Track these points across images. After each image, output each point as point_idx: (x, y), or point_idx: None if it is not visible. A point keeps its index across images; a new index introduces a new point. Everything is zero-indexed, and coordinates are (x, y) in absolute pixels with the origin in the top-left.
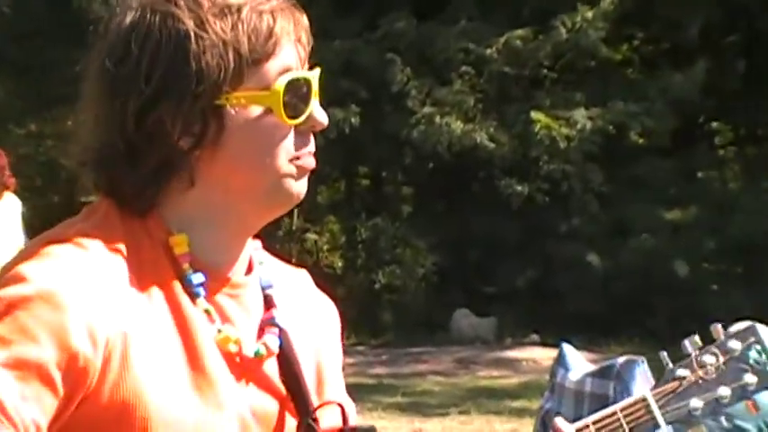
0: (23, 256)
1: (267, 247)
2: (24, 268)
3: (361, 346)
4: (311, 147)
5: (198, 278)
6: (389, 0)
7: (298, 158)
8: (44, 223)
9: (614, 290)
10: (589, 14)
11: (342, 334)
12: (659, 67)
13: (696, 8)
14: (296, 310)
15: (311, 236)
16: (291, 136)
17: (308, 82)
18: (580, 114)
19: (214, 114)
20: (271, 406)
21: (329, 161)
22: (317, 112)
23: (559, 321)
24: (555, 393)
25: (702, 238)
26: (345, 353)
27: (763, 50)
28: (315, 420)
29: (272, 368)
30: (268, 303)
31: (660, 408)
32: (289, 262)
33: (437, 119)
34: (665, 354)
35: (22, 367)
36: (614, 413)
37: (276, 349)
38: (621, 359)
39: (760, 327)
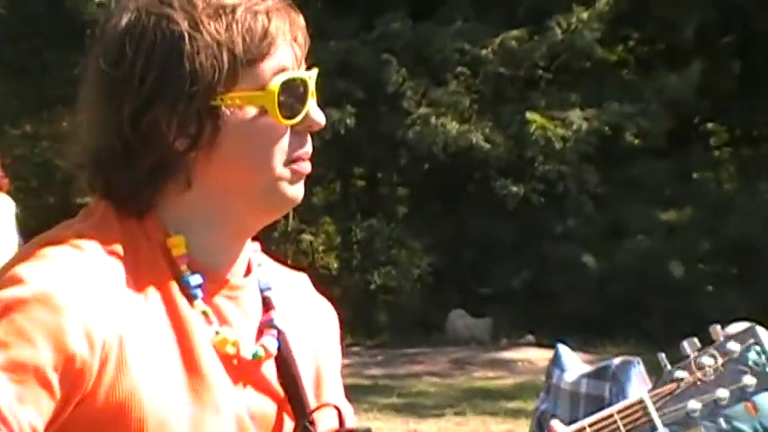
0: (20, 257)
1: (262, 249)
2: (21, 270)
3: (357, 346)
4: (308, 147)
5: (196, 280)
6: (385, 0)
7: (294, 162)
8: (39, 224)
9: (609, 291)
10: (584, 15)
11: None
12: (654, 67)
13: (691, 9)
14: (295, 312)
15: (307, 237)
16: (287, 137)
17: (304, 82)
18: (575, 115)
19: (209, 115)
20: (269, 408)
21: (324, 162)
22: (313, 112)
23: (555, 322)
24: (550, 394)
25: (697, 239)
26: (341, 354)
27: (759, 51)
28: (312, 423)
29: (270, 370)
30: (267, 305)
31: (657, 410)
32: (284, 263)
33: (433, 119)
34: (663, 355)
35: (19, 370)
36: (611, 415)
37: (274, 351)
38: (617, 360)
39: (759, 328)
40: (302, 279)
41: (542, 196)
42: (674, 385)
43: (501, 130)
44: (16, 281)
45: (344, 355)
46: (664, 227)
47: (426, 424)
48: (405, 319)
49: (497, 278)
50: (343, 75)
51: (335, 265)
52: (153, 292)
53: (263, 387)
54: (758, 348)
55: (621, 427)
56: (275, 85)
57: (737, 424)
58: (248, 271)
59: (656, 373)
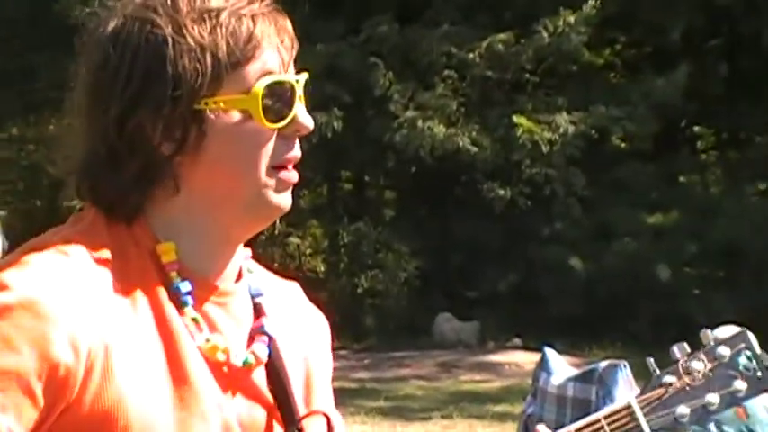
0: (6, 263)
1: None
2: (6, 276)
3: (344, 350)
4: (297, 152)
5: (185, 287)
6: (372, 4)
7: (281, 166)
8: (26, 227)
9: (596, 294)
10: (571, 19)
11: None
12: (641, 71)
13: (678, 12)
14: (286, 319)
15: (294, 240)
16: (273, 141)
17: (291, 85)
18: (562, 118)
19: (194, 119)
20: (258, 415)
21: (311, 165)
22: (301, 115)
23: (542, 325)
24: (537, 398)
25: (684, 243)
26: None
27: (746, 55)
28: (300, 430)
29: (260, 377)
30: (258, 311)
31: (645, 415)
32: (271, 266)
33: (419, 123)
34: (651, 360)
35: (2, 377)
36: (598, 420)
37: (265, 358)
38: (603, 363)
39: (750, 333)
40: (294, 288)
41: (529, 199)
42: (662, 390)
43: (488, 134)
44: (1, 287)
45: (332, 358)
46: (650, 230)
47: (413, 427)
48: (392, 322)
49: (484, 281)
50: (331, 78)
51: (322, 269)
52: (141, 299)
53: (252, 394)
54: (749, 353)
55: None
56: (259, 88)
57: (727, 428)
58: (239, 277)
59: (643, 376)
